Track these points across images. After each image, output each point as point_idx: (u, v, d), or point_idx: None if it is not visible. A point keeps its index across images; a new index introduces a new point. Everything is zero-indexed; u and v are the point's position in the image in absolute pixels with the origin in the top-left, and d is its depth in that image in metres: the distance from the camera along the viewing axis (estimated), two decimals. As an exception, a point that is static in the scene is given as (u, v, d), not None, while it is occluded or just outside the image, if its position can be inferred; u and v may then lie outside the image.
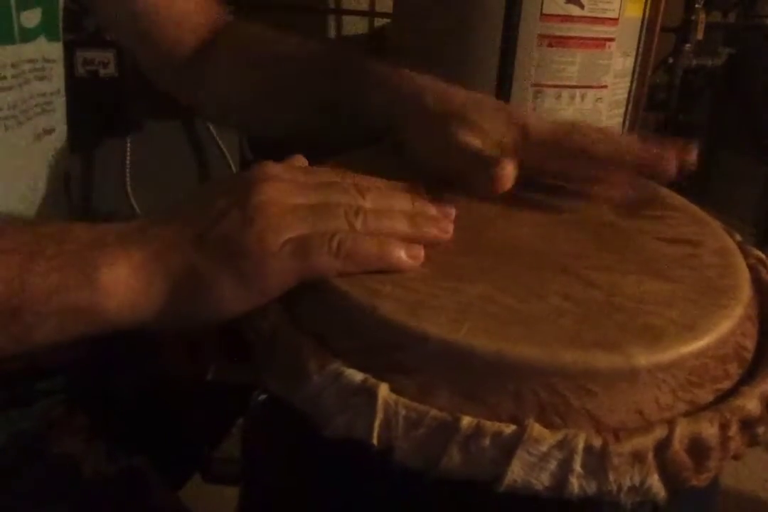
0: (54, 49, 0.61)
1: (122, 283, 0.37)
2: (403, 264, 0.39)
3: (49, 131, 0.61)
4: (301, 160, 0.45)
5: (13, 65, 0.55)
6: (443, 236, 0.41)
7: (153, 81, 0.72)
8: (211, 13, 0.69)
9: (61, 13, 0.61)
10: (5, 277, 0.36)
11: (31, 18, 0.57)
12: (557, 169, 0.48)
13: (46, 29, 0.59)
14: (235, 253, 0.37)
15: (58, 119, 0.62)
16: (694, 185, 0.50)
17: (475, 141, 0.47)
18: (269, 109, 0.63)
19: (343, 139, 0.57)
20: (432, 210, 0.42)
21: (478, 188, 0.46)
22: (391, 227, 0.40)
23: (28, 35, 0.56)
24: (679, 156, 0.46)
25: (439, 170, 0.48)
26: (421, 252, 0.39)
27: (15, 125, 0.56)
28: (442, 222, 0.41)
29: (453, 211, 0.42)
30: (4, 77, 0.54)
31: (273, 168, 0.41)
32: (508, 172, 0.45)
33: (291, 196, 0.39)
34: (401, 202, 0.42)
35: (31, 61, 0.57)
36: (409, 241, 0.39)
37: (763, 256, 0.46)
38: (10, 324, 0.37)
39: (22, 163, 0.58)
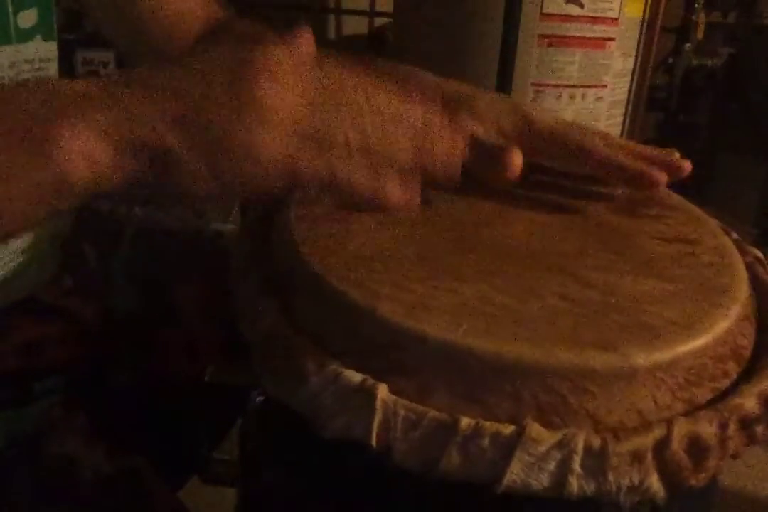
0: (50, 49, 0.61)
1: (83, 156, 0.32)
2: (393, 203, 0.36)
3: None
4: (308, 37, 0.39)
5: (10, 66, 0.55)
6: (451, 172, 0.38)
7: None
8: (207, 12, 0.69)
9: (55, 13, 0.61)
10: None
11: (27, 18, 0.57)
12: (557, 163, 0.48)
13: (42, 29, 0.59)
14: (220, 148, 0.34)
15: None
16: (694, 185, 0.50)
17: (479, 129, 0.47)
18: None
19: None
20: (446, 133, 0.38)
21: (487, 178, 0.45)
22: (396, 149, 0.36)
23: (24, 36, 0.57)
24: (672, 170, 0.47)
25: None
26: (416, 197, 0.36)
27: None
28: (451, 144, 0.38)
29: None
30: (2, 78, 0.55)
31: (281, 57, 0.35)
32: (517, 160, 0.44)
33: (295, 100, 0.35)
34: (411, 123, 0.37)
35: (28, 61, 0.58)
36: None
37: (760, 254, 0.46)
38: None
39: None
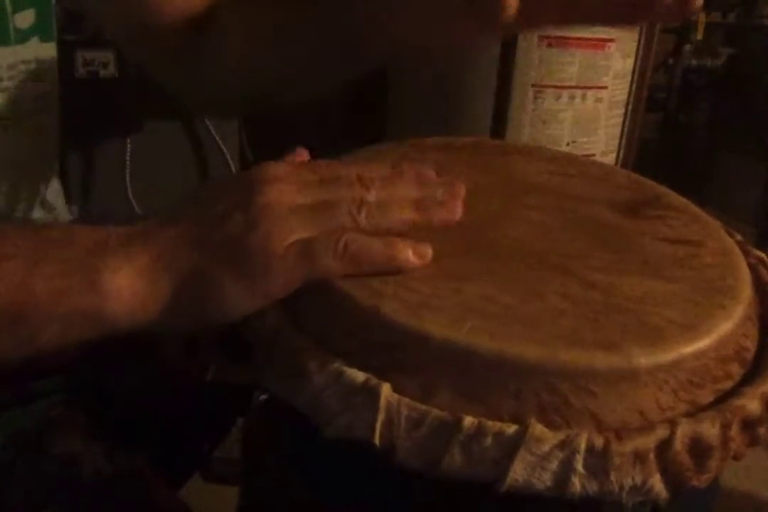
0: (48, 50, 0.61)
1: (126, 287, 0.37)
2: (410, 264, 0.38)
3: (43, 131, 0.61)
4: (303, 154, 0.44)
5: (8, 67, 0.55)
6: (451, 217, 0.41)
7: (153, 68, 0.70)
8: None
9: (53, 14, 0.61)
10: (10, 282, 0.36)
11: (25, 19, 0.57)
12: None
13: (40, 30, 0.59)
14: (240, 257, 0.37)
15: (52, 119, 0.63)
16: (694, 185, 0.50)
17: None
18: (278, 46, 0.62)
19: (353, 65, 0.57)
20: (439, 191, 0.41)
21: (489, 14, 0.44)
22: (397, 217, 0.39)
23: (22, 36, 0.57)
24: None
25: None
26: (428, 251, 0.39)
27: (10, 126, 0.56)
28: (449, 203, 0.41)
29: (462, 189, 0.42)
30: (0, 79, 0.55)
31: (274, 167, 0.40)
32: None
33: (293, 195, 0.39)
34: (407, 188, 0.41)
35: (25, 62, 0.58)
36: (417, 226, 0.39)
37: (763, 255, 0.46)
38: (14, 328, 0.37)
39: (18, 163, 0.58)
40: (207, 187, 0.43)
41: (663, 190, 0.51)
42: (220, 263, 0.37)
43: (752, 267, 0.44)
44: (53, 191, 0.66)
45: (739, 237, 0.47)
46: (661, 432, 0.33)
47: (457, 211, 0.41)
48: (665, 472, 0.33)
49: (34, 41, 0.58)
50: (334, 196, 0.39)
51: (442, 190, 0.41)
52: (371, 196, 0.39)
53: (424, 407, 0.33)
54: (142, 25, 0.64)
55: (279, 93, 0.66)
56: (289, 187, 0.39)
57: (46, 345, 0.38)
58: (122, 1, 0.64)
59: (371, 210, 0.39)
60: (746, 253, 0.45)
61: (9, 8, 0.54)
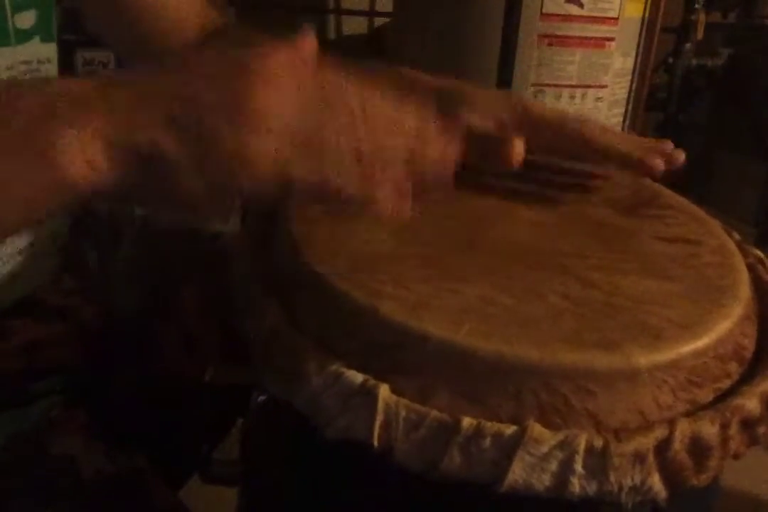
0: (48, 50, 0.61)
1: (82, 159, 0.33)
2: (381, 210, 0.36)
3: None
4: (310, 38, 0.38)
5: (8, 67, 0.55)
6: (445, 173, 0.38)
7: None
8: (204, 19, 0.68)
9: (54, 14, 0.61)
10: None
11: (26, 19, 0.57)
12: (558, 152, 0.49)
13: (41, 30, 0.59)
14: (211, 151, 0.34)
15: None
16: (694, 185, 0.50)
17: (477, 121, 0.47)
18: None
19: None
20: (436, 131, 0.38)
21: (488, 168, 0.46)
22: (390, 169, 0.36)
23: (22, 37, 0.56)
24: (668, 157, 0.48)
25: None
26: (408, 205, 0.36)
27: None
28: (444, 148, 0.38)
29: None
30: (0, 80, 0.54)
31: (279, 63, 0.36)
32: (518, 148, 0.45)
33: (288, 109, 0.35)
34: (409, 121, 0.38)
35: (25, 62, 0.57)
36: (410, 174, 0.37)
37: (762, 255, 0.46)
38: None
39: None
40: (199, 58, 0.37)
41: (662, 189, 0.51)
42: (187, 150, 0.34)
43: (750, 267, 0.44)
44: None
45: (737, 236, 0.47)
46: (660, 432, 0.33)
47: (449, 171, 0.38)
48: (664, 472, 0.33)
49: (35, 42, 0.58)
50: (332, 127, 0.36)
51: (441, 126, 0.39)
52: (366, 145, 0.36)
53: (422, 408, 0.33)
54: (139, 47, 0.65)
55: None
56: (289, 95, 0.35)
57: (13, 224, 0.36)
58: (121, 28, 0.65)
59: (362, 155, 0.36)
60: (744, 252, 0.45)
61: (9, 8, 0.54)
